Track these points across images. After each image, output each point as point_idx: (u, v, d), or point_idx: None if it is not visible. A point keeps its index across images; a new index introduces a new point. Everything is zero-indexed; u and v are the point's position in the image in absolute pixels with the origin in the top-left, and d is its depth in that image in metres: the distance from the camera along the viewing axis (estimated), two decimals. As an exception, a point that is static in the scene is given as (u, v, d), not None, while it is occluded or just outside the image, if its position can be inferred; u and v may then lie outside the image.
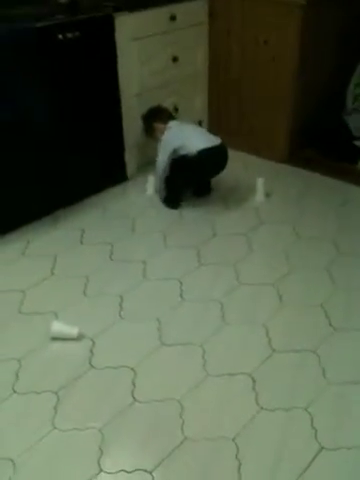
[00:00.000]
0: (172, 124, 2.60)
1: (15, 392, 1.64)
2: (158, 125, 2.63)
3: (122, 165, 2.83)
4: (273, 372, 1.71)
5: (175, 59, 2.84)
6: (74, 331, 1.82)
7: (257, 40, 2.85)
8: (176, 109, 2.99)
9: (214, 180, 2.75)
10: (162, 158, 2.57)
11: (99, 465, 1.43)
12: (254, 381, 1.67)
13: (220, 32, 2.98)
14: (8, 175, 2.30)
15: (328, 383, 1.66)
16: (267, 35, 2.80)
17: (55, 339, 1.83)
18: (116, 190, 2.80)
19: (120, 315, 1.95)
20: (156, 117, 2.66)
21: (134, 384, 1.66)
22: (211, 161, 2.54)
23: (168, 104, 2.95)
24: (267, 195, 2.70)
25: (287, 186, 2.83)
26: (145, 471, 1.41)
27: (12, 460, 1.44)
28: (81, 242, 2.39)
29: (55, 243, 2.37)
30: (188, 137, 2.52)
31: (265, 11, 2.75)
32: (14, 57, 2.13)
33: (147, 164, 2.84)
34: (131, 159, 2.86)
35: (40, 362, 1.75)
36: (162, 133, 2.58)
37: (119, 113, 2.66)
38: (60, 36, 2.24)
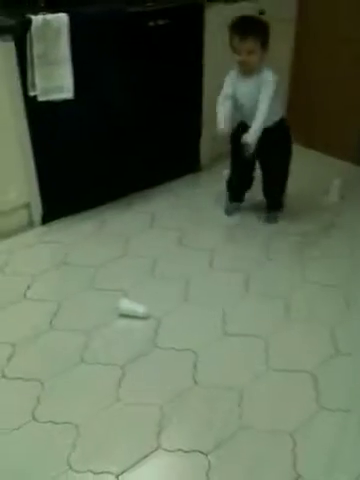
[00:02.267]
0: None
1: (83, 361, 1.72)
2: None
3: (197, 155, 2.86)
4: (335, 372, 1.70)
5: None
6: (141, 310, 1.88)
7: (344, 39, 2.78)
8: (256, 103, 2.98)
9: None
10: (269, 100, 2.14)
11: (158, 441, 1.47)
12: (315, 379, 1.67)
13: (307, 30, 2.94)
14: (89, 155, 2.39)
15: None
16: (356, 34, 2.73)
17: (123, 316, 1.89)
18: (189, 179, 2.83)
19: (186, 299, 1.99)
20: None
21: (195, 368, 1.70)
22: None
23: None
24: (342, 197, 2.65)
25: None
26: (201, 453, 1.44)
27: (76, 425, 1.51)
28: (151, 226, 2.45)
29: (128, 225, 2.44)
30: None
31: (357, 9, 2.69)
32: (103, 39, 2.20)
33: (221, 156, 2.85)
34: (206, 150, 2.88)
35: (107, 336, 1.82)
36: (261, 66, 2.17)
37: (200, 102, 2.69)
38: (151, 23, 2.28)
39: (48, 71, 2.06)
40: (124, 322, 1.88)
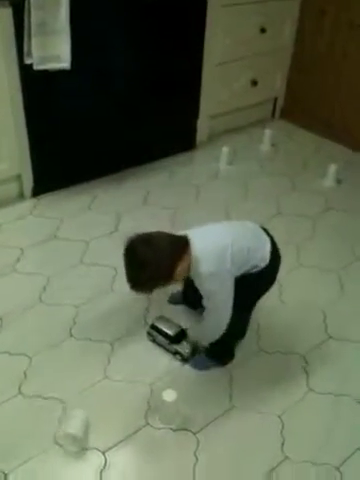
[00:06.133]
0: (200, 245, 1.42)
1: (72, 336, 1.69)
2: (182, 261, 1.40)
3: (193, 133, 2.82)
4: (326, 356, 1.69)
5: (263, 30, 2.77)
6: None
7: (352, 23, 2.73)
8: (255, 83, 2.94)
9: (282, 158, 2.66)
10: (224, 302, 1.45)
11: (146, 419, 1.46)
12: (305, 362, 1.66)
13: (313, 9, 2.88)
14: (83, 129, 2.33)
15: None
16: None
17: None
18: (184, 156, 2.79)
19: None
20: (178, 249, 1.41)
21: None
22: (279, 257, 1.54)
23: (247, 77, 2.90)
24: (338, 182, 2.63)
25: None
26: (190, 431, 1.43)
27: (63, 401, 1.49)
28: (144, 203, 2.41)
29: (120, 201, 2.40)
30: (238, 247, 1.43)
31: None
32: (103, 13, 2.13)
33: (218, 134, 2.81)
34: (203, 128, 2.84)
35: (97, 312, 1.80)
36: (188, 268, 1.42)
37: (199, 80, 2.64)
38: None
39: (46, 40, 1.99)
40: (114, 298, 1.85)
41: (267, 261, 1.45)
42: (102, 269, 1.97)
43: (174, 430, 1.44)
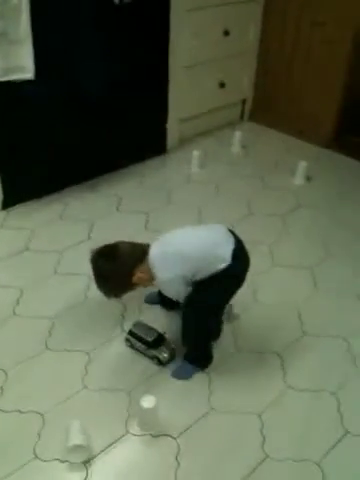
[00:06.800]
0: (155, 252, 1.50)
1: (48, 349, 1.68)
2: (141, 268, 1.50)
3: (163, 137, 2.82)
4: (302, 353, 1.71)
5: (226, 33, 2.80)
6: None
7: (314, 21, 2.78)
8: (223, 85, 2.96)
9: (252, 160, 2.69)
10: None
11: (126, 427, 1.46)
12: (282, 360, 1.68)
13: (275, 10, 2.92)
14: (51, 138, 2.31)
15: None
16: (324, 17, 2.72)
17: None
18: (155, 162, 2.79)
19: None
20: (136, 259, 1.51)
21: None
22: (245, 258, 1.55)
23: (214, 80, 2.93)
24: (308, 179, 2.66)
25: (329, 171, 2.79)
26: (170, 437, 1.43)
27: (42, 414, 1.47)
28: (117, 209, 2.41)
29: (92, 208, 2.39)
30: (197, 250, 1.48)
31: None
32: (66, 17, 2.12)
33: (189, 138, 2.82)
34: (173, 132, 2.85)
35: (73, 322, 1.78)
36: (148, 275, 1.50)
37: (166, 84, 2.65)
38: (116, 0, 2.21)
39: (8, 50, 1.97)
40: (90, 306, 1.84)
41: (229, 261, 1.46)
42: (76, 278, 1.96)
43: (154, 436, 1.44)
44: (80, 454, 1.36)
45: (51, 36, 2.08)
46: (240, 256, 1.51)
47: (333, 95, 2.85)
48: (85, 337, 1.72)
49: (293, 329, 1.80)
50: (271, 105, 3.15)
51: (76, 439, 1.35)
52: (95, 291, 1.81)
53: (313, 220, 2.39)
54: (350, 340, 1.76)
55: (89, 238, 2.19)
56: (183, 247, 1.49)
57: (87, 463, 1.36)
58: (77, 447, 1.35)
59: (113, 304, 1.83)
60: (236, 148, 2.92)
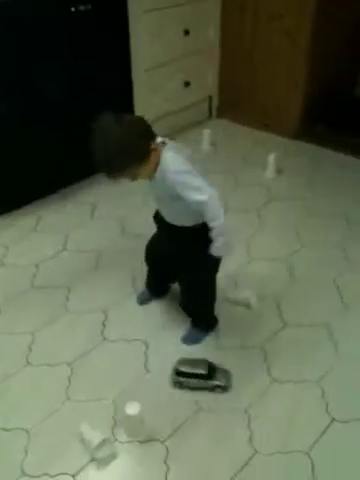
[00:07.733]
0: (168, 149, 1.45)
1: (29, 363, 1.66)
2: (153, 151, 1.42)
3: (132, 141, 2.81)
4: (284, 345, 1.72)
5: (187, 32, 2.80)
6: None
7: (271, 14, 2.79)
8: (187, 84, 2.96)
9: (223, 157, 2.69)
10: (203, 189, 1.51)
11: (113, 433, 1.45)
12: (265, 353, 1.69)
13: (234, 6, 2.93)
14: (18, 150, 2.29)
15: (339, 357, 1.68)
16: (282, 9, 2.74)
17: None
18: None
19: (132, 292, 1.95)
20: (150, 133, 1.43)
21: (147, 357, 1.67)
22: None
23: (179, 79, 2.93)
24: (278, 171, 2.68)
25: (299, 162, 2.81)
26: (158, 441, 1.43)
27: (27, 430, 1.46)
28: (92, 217, 2.40)
29: (66, 218, 2.37)
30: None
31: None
32: (21, 27, 2.09)
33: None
34: (141, 135, 2.83)
35: (52, 335, 1.77)
36: (154, 166, 1.46)
37: (130, 87, 2.64)
38: (72, 8, 2.20)
39: None
40: (69, 317, 1.83)
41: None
42: (54, 291, 1.94)
43: (142, 442, 1.43)
44: (106, 448, 1.39)
45: (4, 48, 2.05)
46: None
47: (297, 86, 2.88)
48: (66, 349, 1.71)
49: (274, 321, 1.81)
50: (237, 101, 3.16)
51: (98, 436, 1.39)
52: (75, 303, 1.83)
53: (286, 212, 2.41)
54: (330, 327, 1.78)
55: (65, 249, 2.17)
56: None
57: (76, 476, 1.35)
58: (102, 442, 1.39)
59: (93, 314, 1.83)
60: (206, 146, 2.93)
